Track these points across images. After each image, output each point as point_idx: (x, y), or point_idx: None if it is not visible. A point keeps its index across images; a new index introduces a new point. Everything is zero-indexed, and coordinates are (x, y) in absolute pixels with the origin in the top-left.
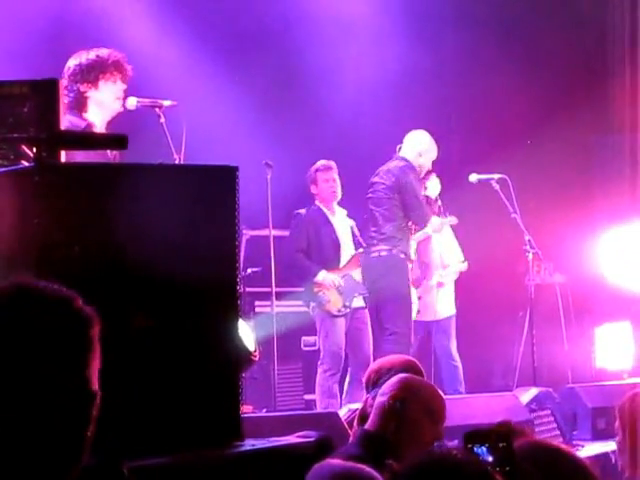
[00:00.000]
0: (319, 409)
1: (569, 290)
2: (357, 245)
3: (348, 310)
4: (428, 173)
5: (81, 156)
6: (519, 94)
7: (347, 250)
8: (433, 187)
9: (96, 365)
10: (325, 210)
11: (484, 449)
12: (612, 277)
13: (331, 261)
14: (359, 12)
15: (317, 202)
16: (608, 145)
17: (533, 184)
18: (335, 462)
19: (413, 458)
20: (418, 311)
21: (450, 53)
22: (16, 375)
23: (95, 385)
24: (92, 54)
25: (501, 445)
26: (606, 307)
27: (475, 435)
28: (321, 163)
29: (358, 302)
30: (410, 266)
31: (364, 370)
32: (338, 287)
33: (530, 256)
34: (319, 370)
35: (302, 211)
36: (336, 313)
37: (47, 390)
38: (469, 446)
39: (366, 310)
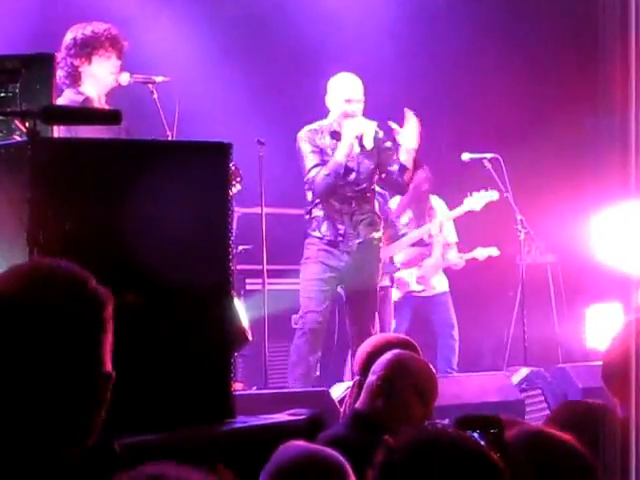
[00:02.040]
0: None
1: (560, 270)
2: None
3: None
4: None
5: (87, 131)
6: (510, 76)
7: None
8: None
9: (109, 345)
10: None
11: (475, 435)
12: (603, 258)
13: None
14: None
15: None
16: (599, 126)
17: (525, 164)
18: (299, 444)
19: (408, 434)
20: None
21: (441, 36)
22: (31, 356)
23: (109, 366)
24: (88, 29)
25: (492, 431)
26: (597, 288)
27: (466, 420)
28: None
29: (385, 281)
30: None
31: None
32: None
33: (522, 236)
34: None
35: None
36: None
37: (62, 370)
38: (460, 431)
39: (389, 289)
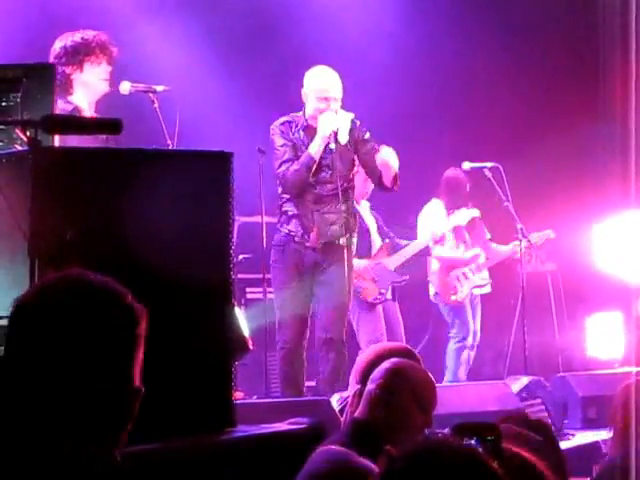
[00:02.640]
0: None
1: (560, 279)
2: (383, 235)
3: (383, 298)
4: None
5: (75, 140)
6: (510, 84)
7: (376, 240)
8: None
9: (140, 361)
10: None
11: (473, 442)
12: (603, 267)
13: (363, 250)
14: (351, 5)
15: None
16: (599, 135)
17: (525, 173)
18: (332, 448)
19: (410, 444)
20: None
21: (442, 42)
22: (66, 369)
23: (138, 381)
24: (77, 36)
25: (489, 438)
26: (597, 296)
27: (463, 428)
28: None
29: (389, 293)
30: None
31: None
32: (372, 275)
33: (522, 244)
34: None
35: None
36: (371, 301)
37: (93, 384)
38: (457, 439)
39: (394, 301)
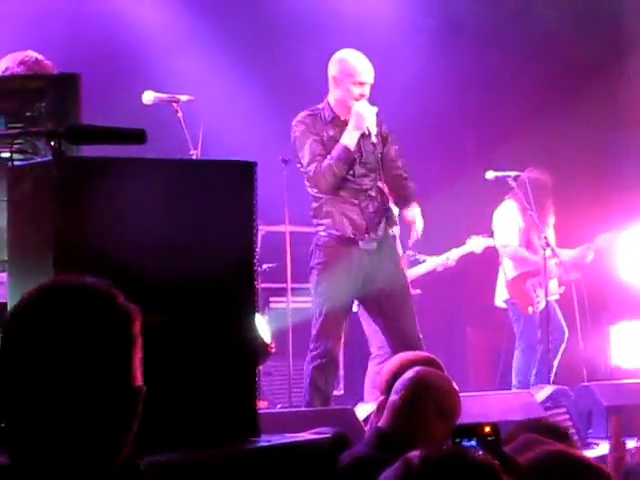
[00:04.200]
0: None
1: (585, 288)
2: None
3: None
4: None
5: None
6: (531, 92)
7: None
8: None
9: (139, 361)
10: None
11: (473, 443)
12: (627, 275)
13: None
14: (374, 12)
15: None
16: (622, 141)
17: (551, 181)
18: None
19: (428, 455)
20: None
21: (462, 50)
22: (61, 371)
23: (139, 380)
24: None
25: (490, 439)
26: (622, 305)
27: (464, 429)
28: None
29: None
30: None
31: None
32: None
33: (547, 253)
34: (371, 363)
35: None
36: None
37: (92, 386)
38: (457, 440)
39: None
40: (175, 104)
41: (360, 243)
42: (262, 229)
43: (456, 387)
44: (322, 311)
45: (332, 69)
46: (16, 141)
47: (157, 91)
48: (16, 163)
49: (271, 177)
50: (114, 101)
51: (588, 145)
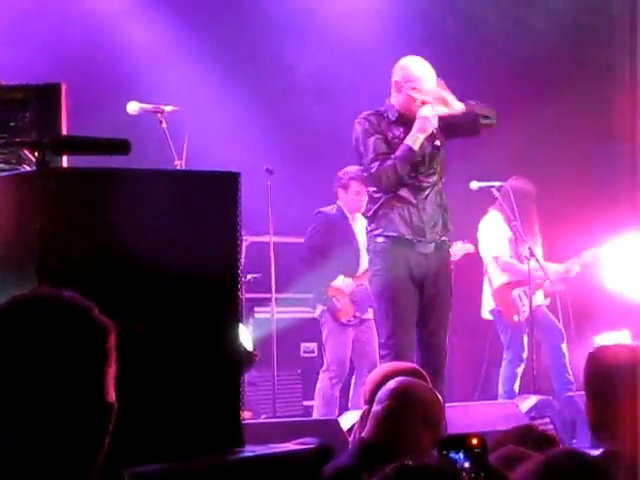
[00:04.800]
0: (316, 416)
1: (569, 298)
2: None
3: (357, 321)
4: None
5: None
6: (520, 103)
7: (365, 259)
8: None
9: (112, 375)
10: (347, 213)
11: (460, 455)
12: (612, 286)
13: (349, 268)
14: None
15: (339, 203)
16: (608, 153)
17: (535, 191)
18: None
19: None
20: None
21: (453, 58)
22: (33, 385)
23: (112, 396)
24: None
25: (476, 451)
26: (606, 316)
27: (450, 441)
28: (356, 170)
29: (369, 314)
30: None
31: None
32: (352, 296)
33: (531, 264)
34: (322, 377)
35: (327, 209)
36: (344, 322)
37: (64, 400)
38: (444, 452)
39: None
40: (159, 114)
41: (417, 246)
42: (246, 239)
43: (440, 397)
44: (389, 317)
45: (396, 74)
46: (0, 151)
47: (141, 101)
48: (0, 174)
49: (255, 187)
50: (98, 111)
51: (575, 157)
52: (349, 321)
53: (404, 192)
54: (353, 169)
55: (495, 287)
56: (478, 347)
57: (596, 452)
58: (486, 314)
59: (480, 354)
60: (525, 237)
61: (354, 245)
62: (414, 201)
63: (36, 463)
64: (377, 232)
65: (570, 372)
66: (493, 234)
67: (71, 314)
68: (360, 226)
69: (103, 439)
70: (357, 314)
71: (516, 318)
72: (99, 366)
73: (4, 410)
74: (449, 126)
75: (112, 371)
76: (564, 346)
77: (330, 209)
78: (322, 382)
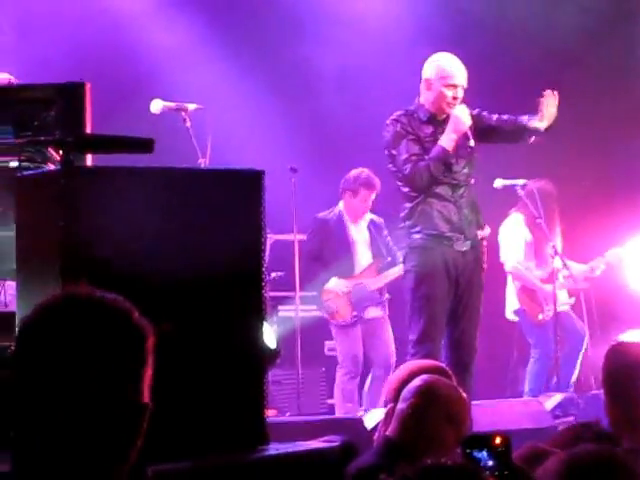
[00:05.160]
0: (338, 413)
1: (593, 297)
2: (376, 253)
3: (354, 320)
4: None
5: None
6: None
7: (365, 258)
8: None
9: (149, 377)
10: (346, 217)
11: (484, 454)
12: (636, 284)
13: (345, 269)
14: (384, 19)
15: (341, 206)
16: (630, 152)
17: (558, 191)
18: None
19: (422, 464)
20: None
21: (466, 58)
22: (74, 384)
23: (147, 397)
24: None
25: (500, 450)
26: (630, 314)
27: (474, 440)
28: (366, 176)
29: (374, 312)
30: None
31: (385, 371)
32: (349, 296)
33: (555, 262)
34: (338, 374)
35: (324, 214)
36: (342, 323)
37: (101, 401)
38: (468, 451)
39: (383, 319)
40: (183, 113)
41: (456, 244)
42: (271, 237)
43: (465, 395)
44: (422, 315)
45: (426, 71)
46: (25, 150)
47: (165, 100)
48: (25, 172)
49: (280, 186)
50: (122, 110)
51: (598, 155)
52: (345, 322)
53: (442, 189)
54: (363, 174)
55: (519, 285)
56: (502, 347)
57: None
58: (510, 315)
59: (506, 354)
60: (550, 236)
61: (350, 247)
62: (452, 199)
63: (71, 464)
64: (415, 229)
65: (574, 380)
66: (510, 240)
67: (113, 317)
68: (362, 226)
69: (136, 439)
70: (355, 313)
71: (540, 317)
72: (137, 368)
73: (43, 409)
74: (489, 131)
75: (149, 373)
76: (581, 354)
77: (328, 213)
78: (338, 379)
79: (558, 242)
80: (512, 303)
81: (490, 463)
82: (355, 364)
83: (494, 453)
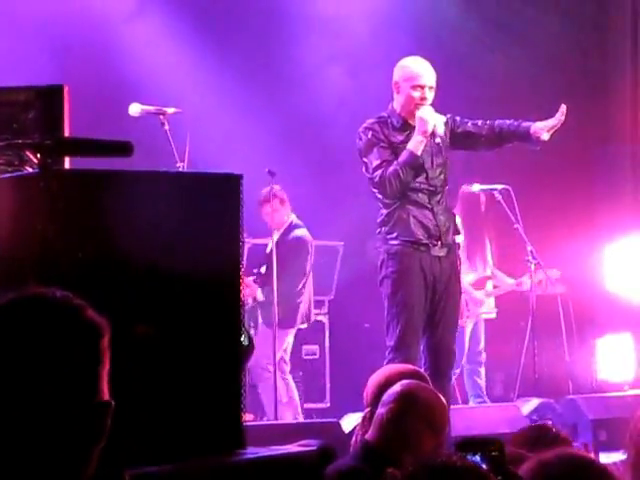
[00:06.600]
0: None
1: (571, 301)
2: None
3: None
4: None
5: None
6: (519, 105)
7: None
8: None
9: (105, 375)
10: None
11: (477, 458)
12: (614, 288)
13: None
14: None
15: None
16: (609, 155)
17: (535, 195)
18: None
19: (414, 464)
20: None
21: (448, 58)
22: (26, 386)
23: (106, 395)
24: None
25: (493, 454)
26: (607, 318)
27: (467, 444)
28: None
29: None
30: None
31: None
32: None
33: (532, 267)
34: None
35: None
36: None
37: (58, 402)
38: (462, 454)
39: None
40: (162, 116)
41: (432, 250)
42: (248, 242)
43: (443, 400)
44: (400, 321)
45: (395, 75)
46: (3, 152)
47: (144, 103)
48: (2, 175)
49: (257, 190)
50: (101, 113)
51: (577, 159)
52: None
53: (418, 196)
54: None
55: None
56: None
57: None
58: None
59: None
60: (526, 240)
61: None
62: (429, 205)
63: (29, 465)
64: (392, 236)
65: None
66: None
67: (62, 314)
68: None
69: (100, 437)
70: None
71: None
72: (91, 366)
73: None
74: (464, 137)
75: (106, 371)
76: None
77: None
78: None
79: (488, 250)
80: None
81: (484, 467)
82: None
83: (488, 457)
